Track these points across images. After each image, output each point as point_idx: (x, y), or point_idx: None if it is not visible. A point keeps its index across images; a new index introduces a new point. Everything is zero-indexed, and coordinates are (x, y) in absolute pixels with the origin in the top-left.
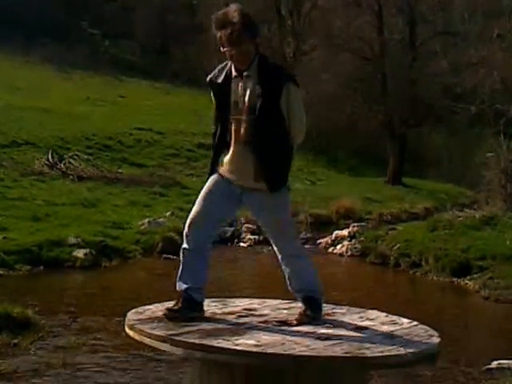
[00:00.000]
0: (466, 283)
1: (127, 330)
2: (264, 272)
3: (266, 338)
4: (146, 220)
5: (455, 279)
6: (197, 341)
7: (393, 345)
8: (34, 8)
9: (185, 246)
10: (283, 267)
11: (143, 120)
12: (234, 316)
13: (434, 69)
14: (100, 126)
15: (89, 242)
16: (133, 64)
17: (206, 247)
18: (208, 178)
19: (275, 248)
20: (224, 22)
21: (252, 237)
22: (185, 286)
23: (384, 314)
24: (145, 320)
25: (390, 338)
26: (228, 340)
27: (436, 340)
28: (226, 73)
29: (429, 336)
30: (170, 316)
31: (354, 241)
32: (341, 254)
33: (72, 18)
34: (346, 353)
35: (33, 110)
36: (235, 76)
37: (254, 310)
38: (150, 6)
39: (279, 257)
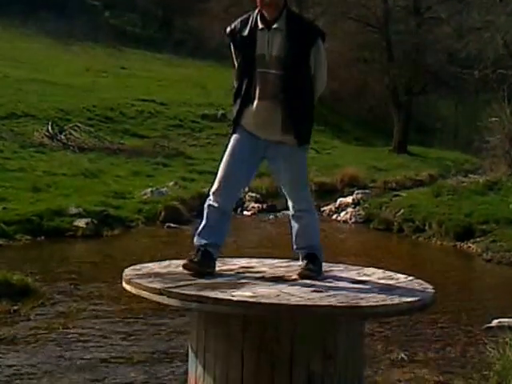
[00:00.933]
0: (469, 246)
1: (124, 284)
2: (268, 237)
3: (262, 290)
4: (149, 189)
5: (458, 243)
6: (193, 292)
7: (388, 295)
8: None
9: (211, 203)
10: (293, 222)
11: (145, 91)
12: (231, 272)
13: (439, 34)
14: (101, 97)
15: (90, 212)
16: (134, 35)
17: (231, 208)
18: (232, 134)
19: (290, 202)
20: None
21: (256, 205)
22: (204, 241)
23: (381, 270)
24: (142, 275)
25: (386, 289)
26: (224, 292)
27: (430, 291)
28: (251, 25)
29: (424, 288)
30: (189, 266)
31: (357, 208)
32: (345, 221)
33: None
34: (341, 302)
35: (32, 82)
36: (262, 28)
37: (252, 267)
38: None
39: (292, 211)
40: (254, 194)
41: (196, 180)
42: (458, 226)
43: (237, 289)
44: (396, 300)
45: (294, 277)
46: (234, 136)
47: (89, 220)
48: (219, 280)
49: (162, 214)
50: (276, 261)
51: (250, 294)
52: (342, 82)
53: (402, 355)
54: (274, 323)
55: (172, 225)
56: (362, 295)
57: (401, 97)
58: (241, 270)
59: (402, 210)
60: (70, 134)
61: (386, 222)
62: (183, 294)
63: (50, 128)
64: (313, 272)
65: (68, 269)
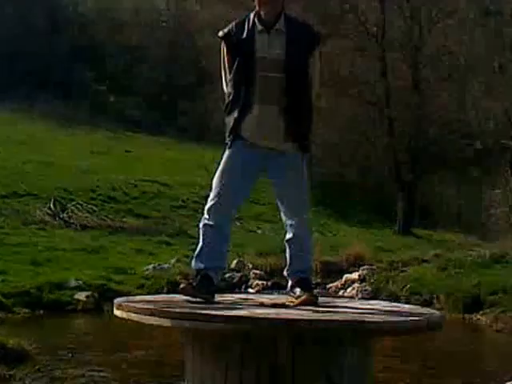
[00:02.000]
0: (478, 318)
1: (115, 310)
2: None
3: (259, 311)
4: (151, 265)
5: (467, 315)
6: (186, 310)
7: (394, 315)
8: (37, 63)
9: (207, 222)
10: (294, 243)
11: (148, 172)
12: (229, 301)
13: (439, 106)
14: (104, 177)
15: (91, 285)
16: (138, 119)
17: (229, 227)
18: (230, 147)
19: (293, 220)
20: None
21: (260, 282)
22: (203, 265)
23: (386, 302)
24: (134, 301)
25: (391, 312)
26: (220, 311)
27: (438, 313)
28: (248, 27)
29: (431, 313)
30: (186, 290)
31: (364, 283)
32: (351, 297)
33: (76, 73)
34: (344, 319)
35: (35, 164)
36: (261, 30)
37: (251, 298)
38: (155, 60)
39: (293, 230)
40: (258, 272)
41: None
42: (465, 297)
43: (233, 310)
44: (402, 318)
45: (294, 303)
46: (232, 149)
47: (89, 293)
48: (215, 305)
49: (165, 289)
50: (275, 295)
51: (247, 312)
52: (345, 163)
53: None
54: (272, 340)
55: None
56: (367, 315)
57: (404, 176)
58: (238, 300)
59: (408, 285)
60: (72, 212)
61: (393, 297)
62: (175, 312)
63: (51, 205)
64: (315, 297)
65: (66, 338)
